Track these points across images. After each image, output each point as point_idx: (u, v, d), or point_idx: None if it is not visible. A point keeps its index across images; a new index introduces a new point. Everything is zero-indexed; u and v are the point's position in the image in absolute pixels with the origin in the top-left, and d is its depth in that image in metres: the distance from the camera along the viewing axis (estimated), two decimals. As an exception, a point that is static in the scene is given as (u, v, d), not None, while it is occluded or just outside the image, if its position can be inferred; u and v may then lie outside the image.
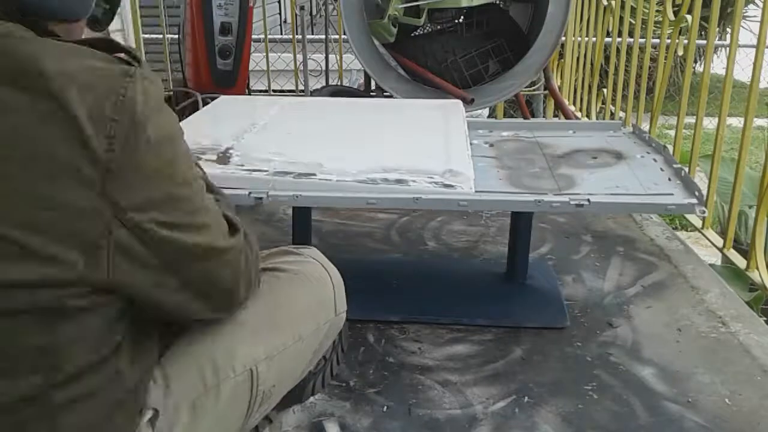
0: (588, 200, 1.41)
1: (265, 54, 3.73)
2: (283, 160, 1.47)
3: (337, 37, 3.79)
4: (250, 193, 1.38)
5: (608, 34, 2.99)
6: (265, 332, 1.06)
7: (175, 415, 0.93)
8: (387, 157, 1.54)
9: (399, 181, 1.41)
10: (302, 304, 1.14)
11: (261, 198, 1.38)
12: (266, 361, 1.04)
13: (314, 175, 1.41)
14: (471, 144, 1.78)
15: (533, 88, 3.61)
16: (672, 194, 1.46)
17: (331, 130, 1.77)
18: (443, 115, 1.88)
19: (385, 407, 1.37)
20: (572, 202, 1.41)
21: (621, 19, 2.88)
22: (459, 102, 2.02)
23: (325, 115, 1.92)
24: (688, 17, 2.26)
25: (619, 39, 2.87)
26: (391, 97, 2.63)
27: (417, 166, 1.47)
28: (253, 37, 3.03)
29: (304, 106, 2.02)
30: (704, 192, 1.47)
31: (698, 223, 2.21)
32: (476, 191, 1.45)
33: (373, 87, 2.98)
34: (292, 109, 1.94)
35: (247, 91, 3.00)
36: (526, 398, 1.40)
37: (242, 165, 1.44)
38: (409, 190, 1.39)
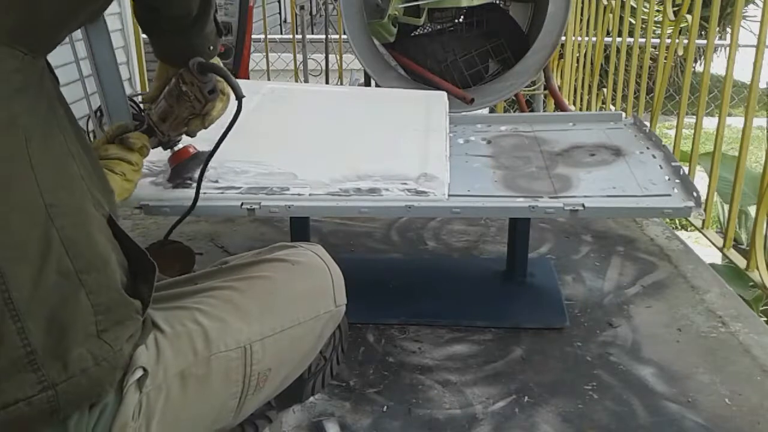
0: (582, 205, 1.40)
1: (265, 54, 3.73)
2: (258, 171, 1.51)
3: (337, 37, 3.79)
4: (242, 204, 1.41)
5: (608, 34, 2.99)
6: (261, 314, 1.04)
7: (164, 382, 0.91)
8: (363, 159, 1.55)
9: (372, 190, 1.44)
10: (299, 291, 1.12)
11: (254, 209, 1.40)
12: (261, 341, 1.02)
13: (287, 189, 1.45)
14: (469, 141, 1.77)
15: (533, 88, 3.61)
16: (669, 195, 1.45)
17: (310, 128, 1.77)
18: (425, 108, 1.88)
19: (385, 407, 1.38)
20: (566, 208, 1.40)
21: (621, 19, 2.88)
22: (443, 94, 2.00)
23: (305, 110, 1.91)
24: (688, 17, 2.25)
25: (619, 39, 2.87)
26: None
27: (391, 171, 1.49)
28: (253, 37, 3.03)
29: (285, 98, 1.99)
30: (704, 192, 1.47)
31: (698, 222, 2.21)
32: (471, 195, 1.45)
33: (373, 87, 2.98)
34: (272, 102, 1.92)
35: (247, 90, 2.99)
36: (526, 398, 1.40)
37: (216, 181, 1.47)
38: (382, 199, 1.42)
